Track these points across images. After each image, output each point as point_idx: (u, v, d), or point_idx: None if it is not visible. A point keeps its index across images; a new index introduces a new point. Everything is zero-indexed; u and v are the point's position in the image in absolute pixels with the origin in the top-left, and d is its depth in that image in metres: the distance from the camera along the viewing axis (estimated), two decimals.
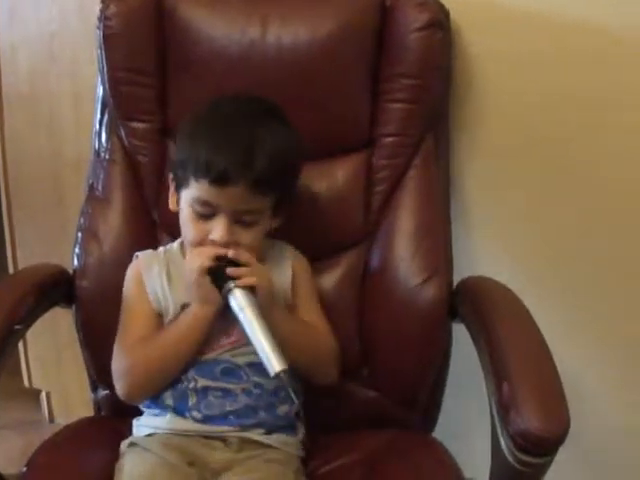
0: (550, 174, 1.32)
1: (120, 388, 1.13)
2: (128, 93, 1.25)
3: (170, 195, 1.15)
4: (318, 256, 1.23)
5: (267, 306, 1.06)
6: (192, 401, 1.11)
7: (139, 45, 1.24)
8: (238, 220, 1.07)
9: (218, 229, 1.06)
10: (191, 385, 1.11)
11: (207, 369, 1.11)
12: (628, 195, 1.30)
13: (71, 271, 1.26)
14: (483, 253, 1.39)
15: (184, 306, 1.11)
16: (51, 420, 1.95)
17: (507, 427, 0.92)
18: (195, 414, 1.11)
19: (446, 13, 1.24)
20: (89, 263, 1.24)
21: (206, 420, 1.11)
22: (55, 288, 1.23)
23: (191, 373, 1.11)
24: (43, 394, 1.94)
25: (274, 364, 0.99)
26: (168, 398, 1.12)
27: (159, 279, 1.14)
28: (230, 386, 1.11)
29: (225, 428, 1.10)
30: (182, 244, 1.17)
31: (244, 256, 1.07)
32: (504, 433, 0.93)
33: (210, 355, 1.12)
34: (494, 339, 1.04)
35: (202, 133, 1.08)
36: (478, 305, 1.14)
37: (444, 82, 1.26)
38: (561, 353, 1.00)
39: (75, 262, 1.25)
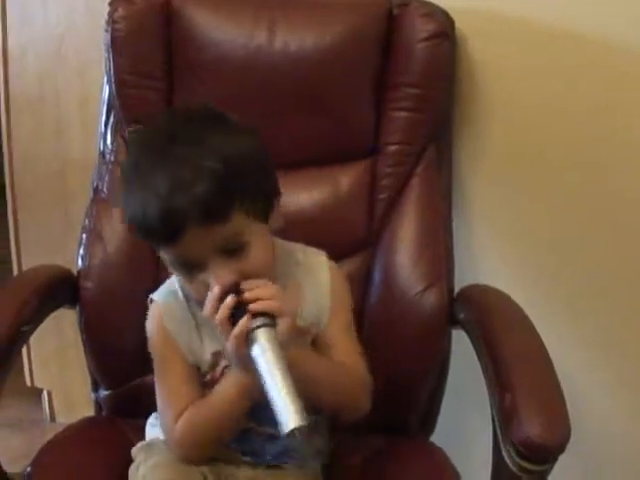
0: (554, 182, 1.33)
1: (174, 450, 1.04)
2: (135, 95, 1.26)
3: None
4: None
5: (290, 340, 0.91)
6: (232, 436, 1.04)
7: (146, 48, 1.25)
8: (227, 251, 0.92)
9: (216, 278, 0.91)
10: None
11: (257, 410, 0.99)
12: (633, 201, 1.30)
13: (75, 272, 1.26)
14: (485, 261, 1.40)
15: (216, 354, 1.02)
16: (52, 419, 1.95)
17: (509, 435, 0.93)
18: (233, 445, 1.05)
19: (451, 23, 1.24)
20: (93, 264, 1.25)
21: (244, 453, 1.06)
22: (59, 289, 1.24)
23: None
24: (44, 393, 1.95)
25: (290, 419, 0.84)
26: None
27: (187, 330, 1.03)
28: (275, 432, 0.96)
29: (258, 460, 1.06)
30: None
31: (257, 284, 0.92)
32: (506, 440, 0.94)
33: None
34: (496, 347, 1.05)
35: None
36: (479, 314, 1.15)
37: (448, 91, 1.27)
38: (562, 360, 1.01)
39: (79, 263, 1.26)
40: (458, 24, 1.25)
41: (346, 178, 1.25)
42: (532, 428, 0.91)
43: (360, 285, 1.23)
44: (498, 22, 1.28)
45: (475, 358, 1.11)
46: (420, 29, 1.21)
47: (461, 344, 1.21)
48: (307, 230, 1.21)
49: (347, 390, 1.03)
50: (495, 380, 1.01)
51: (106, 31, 1.24)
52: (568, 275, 1.36)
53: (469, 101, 1.32)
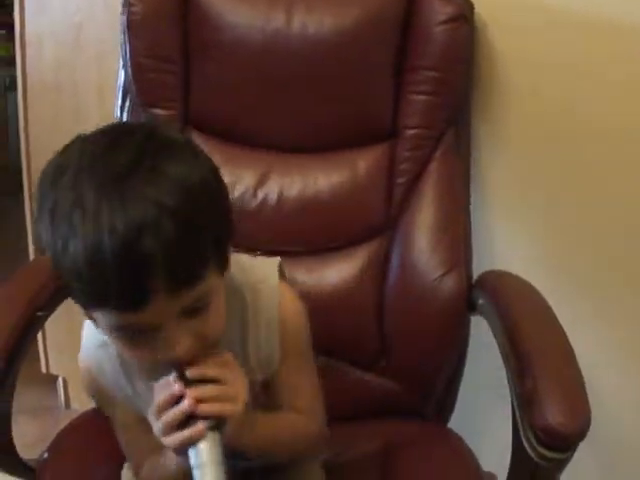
0: (571, 169, 1.32)
1: None
2: (151, 79, 1.25)
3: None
4: (338, 246, 1.23)
5: (239, 434, 0.80)
6: None
7: (163, 31, 1.24)
8: (188, 312, 0.75)
9: (172, 348, 0.75)
10: None
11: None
12: None
13: None
14: (503, 246, 1.39)
15: None
16: (67, 406, 1.97)
17: (530, 422, 0.92)
18: None
19: (470, 6, 1.23)
20: None
21: None
22: None
23: None
24: (60, 380, 1.96)
25: None
26: None
27: (123, 390, 0.90)
28: (251, 464, 0.93)
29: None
30: None
31: (202, 374, 0.78)
32: (526, 427, 0.93)
33: None
34: (515, 334, 1.04)
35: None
36: (498, 299, 1.13)
37: (467, 76, 1.26)
38: (580, 348, 1.00)
39: None
40: (478, 9, 1.24)
41: (364, 162, 1.24)
42: (553, 414, 0.90)
43: (378, 270, 1.23)
44: (518, 8, 1.27)
45: (491, 344, 1.10)
46: (439, 11, 1.20)
47: (477, 329, 1.20)
48: (325, 214, 1.22)
49: (297, 446, 0.95)
50: (515, 365, 1.00)
51: (122, 14, 1.24)
52: (587, 261, 1.35)
53: (488, 86, 1.31)
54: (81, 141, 0.75)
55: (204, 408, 0.76)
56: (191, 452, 0.76)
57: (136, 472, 0.96)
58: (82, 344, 0.92)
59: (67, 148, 0.76)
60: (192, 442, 0.76)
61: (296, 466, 1.02)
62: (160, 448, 0.87)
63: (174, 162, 0.73)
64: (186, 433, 0.76)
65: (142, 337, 0.75)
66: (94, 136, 0.75)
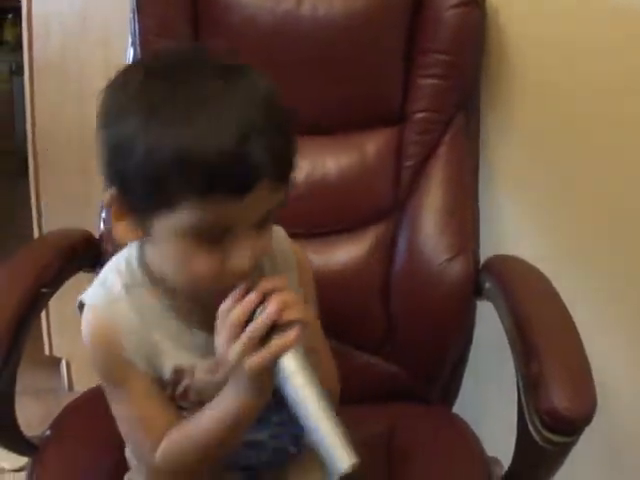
0: (580, 155, 1.31)
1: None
2: None
3: (114, 219, 0.79)
4: (345, 228, 1.23)
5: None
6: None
7: (172, 10, 1.24)
8: (259, 224, 0.76)
9: (243, 256, 0.74)
10: None
11: None
12: None
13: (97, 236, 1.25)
14: (510, 231, 1.39)
15: (178, 371, 0.85)
16: (70, 388, 1.97)
17: (535, 405, 0.92)
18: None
19: None
20: None
21: (227, 468, 0.93)
22: (82, 252, 1.23)
23: None
24: (63, 362, 1.96)
25: (345, 456, 0.71)
26: None
27: (141, 343, 0.84)
28: (259, 436, 0.90)
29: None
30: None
31: (279, 285, 0.76)
32: (531, 411, 0.93)
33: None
34: (522, 318, 1.04)
35: (177, 119, 0.71)
36: (505, 284, 1.13)
37: (477, 60, 1.26)
38: (588, 333, 1.00)
39: (101, 226, 1.25)
40: None
41: (373, 145, 1.24)
42: (559, 398, 0.90)
43: (385, 253, 1.22)
44: None
45: (497, 328, 1.10)
46: None
47: (484, 317, 1.20)
48: (333, 196, 1.22)
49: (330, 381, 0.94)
50: (521, 349, 1.00)
51: None
52: (594, 246, 1.35)
53: (497, 71, 1.30)
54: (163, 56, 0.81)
55: (289, 314, 0.74)
56: (276, 368, 0.73)
57: (150, 452, 0.86)
58: (89, 315, 0.85)
59: (151, 63, 0.81)
60: (285, 351, 0.73)
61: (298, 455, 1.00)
62: (179, 420, 0.85)
63: (255, 74, 0.76)
64: (277, 343, 0.73)
65: (210, 244, 0.74)
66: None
